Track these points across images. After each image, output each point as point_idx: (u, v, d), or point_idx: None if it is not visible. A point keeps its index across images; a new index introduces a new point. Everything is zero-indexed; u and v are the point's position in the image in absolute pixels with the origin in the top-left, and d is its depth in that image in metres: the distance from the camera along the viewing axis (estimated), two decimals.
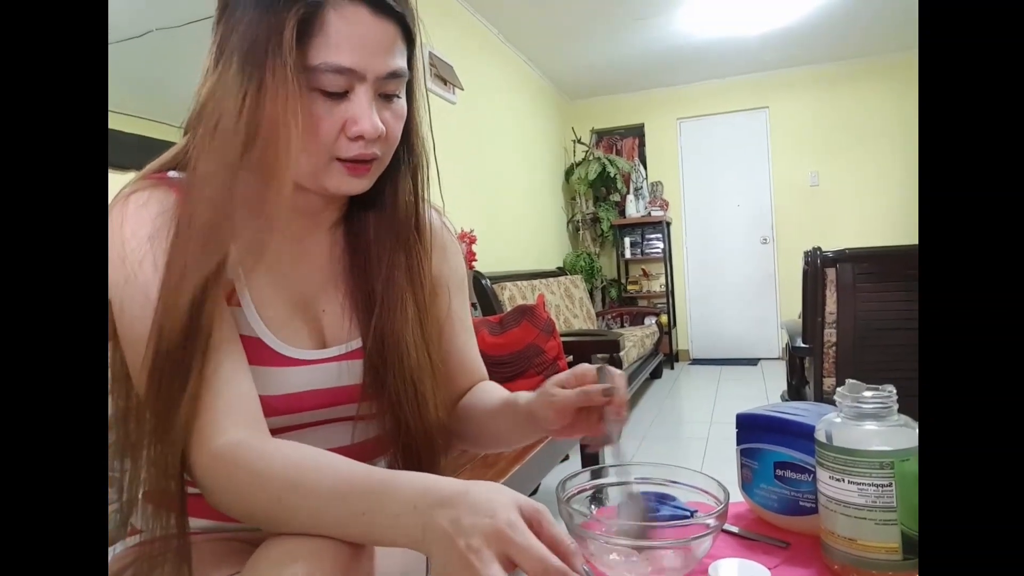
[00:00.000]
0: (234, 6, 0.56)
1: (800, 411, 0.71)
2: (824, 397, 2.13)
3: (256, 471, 0.50)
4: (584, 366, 0.65)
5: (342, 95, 0.57)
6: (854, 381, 0.59)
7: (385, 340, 0.64)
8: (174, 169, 0.61)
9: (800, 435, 0.67)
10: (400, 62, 0.59)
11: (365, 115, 0.56)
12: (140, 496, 0.67)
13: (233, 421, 0.53)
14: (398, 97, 0.61)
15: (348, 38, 0.55)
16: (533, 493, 2.11)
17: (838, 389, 0.60)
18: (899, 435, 0.56)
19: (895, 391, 0.58)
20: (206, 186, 0.54)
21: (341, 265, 0.68)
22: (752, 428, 0.74)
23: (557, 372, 0.67)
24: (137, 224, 0.56)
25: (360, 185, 0.61)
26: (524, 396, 0.69)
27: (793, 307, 4.70)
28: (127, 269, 0.54)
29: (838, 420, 0.60)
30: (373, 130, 0.57)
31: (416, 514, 0.45)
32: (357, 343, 0.66)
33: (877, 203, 4.87)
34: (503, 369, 2.04)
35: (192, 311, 0.52)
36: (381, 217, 0.67)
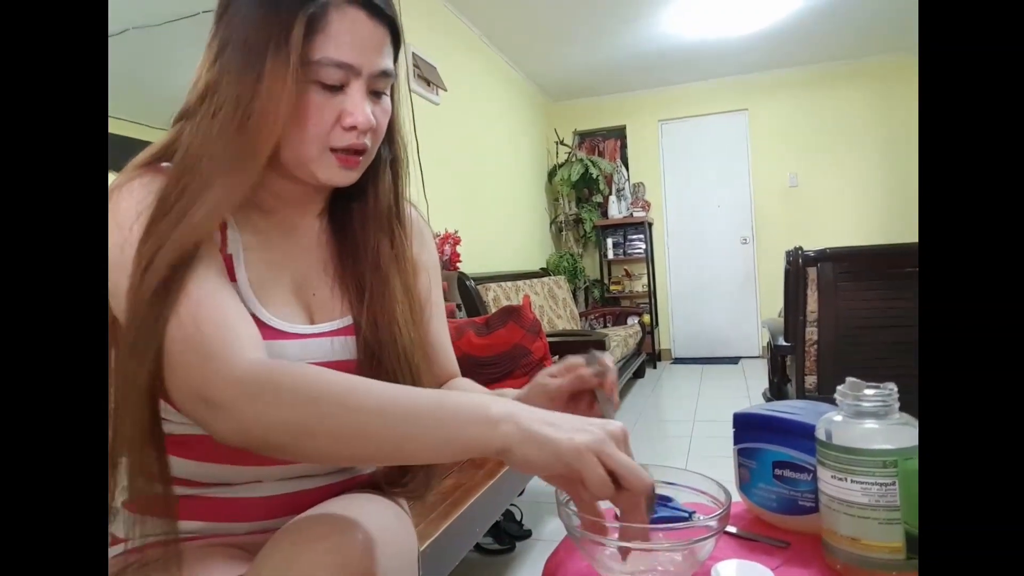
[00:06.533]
0: (237, 4, 0.59)
1: (798, 410, 0.71)
2: (806, 394, 2.15)
3: (306, 385, 0.49)
4: (572, 358, 0.68)
5: (338, 88, 0.61)
6: (855, 379, 0.59)
7: (378, 321, 0.68)
8: (165, 160, 0.61)
9: (799, 434, 0.67)
10: (390, 63, 0.64)
11: (359, 108, 0.61)
12: (120, 505, 0.65)
13: (253, 345, 0.54)
14: (385, 95, 0.66)
15: (349, 37, 0.59)
16: (520, 495, 2.10)
17: (838, 388, 0.60)
18: (901, 433, 0.56)
19: (896, 389, 0.58)
20: (200, 161, 0.56)
21: (329, 251, 0.72)
22: (750, 427, 0.73)
23: None
24: (143, 195, 0.56)
25: (349, 177, 0.65)
26: (510, 393, 0.71)
27: (772, 306, 4.76)
28: (125, 236, 0.55)
29: (838, 419, 0.60)
30: (366, 121, 0.61)
31: (504, 407, 0.48)
32: (347, 321, 0.69)
33: (855, 204, 4.95)
34: (489, 370, 2.03)
35: (168, 269, 0.52)
36: (364, 208, 0.71)
